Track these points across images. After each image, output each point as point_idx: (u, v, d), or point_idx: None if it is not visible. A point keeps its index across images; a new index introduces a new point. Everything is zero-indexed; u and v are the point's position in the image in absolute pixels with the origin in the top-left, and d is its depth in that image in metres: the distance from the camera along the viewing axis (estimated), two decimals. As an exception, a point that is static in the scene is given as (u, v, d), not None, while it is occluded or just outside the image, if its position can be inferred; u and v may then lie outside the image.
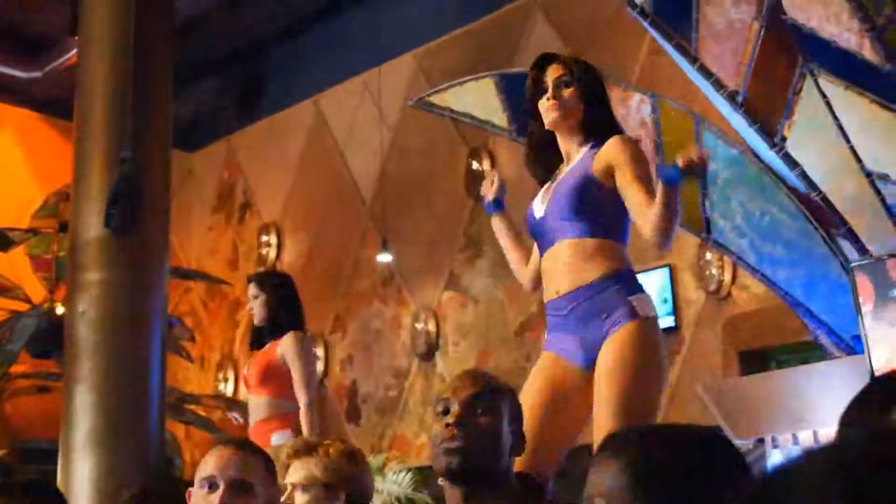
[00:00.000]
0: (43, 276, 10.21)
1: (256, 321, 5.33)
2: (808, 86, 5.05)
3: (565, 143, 3.36)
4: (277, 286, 5.35)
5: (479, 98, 6.06)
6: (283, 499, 3.01)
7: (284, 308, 5.24)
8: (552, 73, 3.34)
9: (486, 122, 6.10)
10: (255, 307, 5.28)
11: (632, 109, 5.75)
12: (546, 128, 3.37)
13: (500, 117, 6.09)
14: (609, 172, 3.18)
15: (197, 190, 12.35)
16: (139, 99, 7.16)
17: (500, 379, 2.45)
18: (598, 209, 3.19)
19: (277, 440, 4.89)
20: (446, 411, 2.28)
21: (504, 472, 2.28)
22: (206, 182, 12.36)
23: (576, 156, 3.31)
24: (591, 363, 3.10)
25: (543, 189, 3.39)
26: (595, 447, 2.94)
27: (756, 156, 5.54)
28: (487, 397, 2.30)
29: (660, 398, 3.08)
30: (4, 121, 11.44)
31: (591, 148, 3.27)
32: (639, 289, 3.15)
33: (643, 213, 3.09)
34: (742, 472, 1.45)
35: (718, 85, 5.11)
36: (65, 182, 8.45)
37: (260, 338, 5.37)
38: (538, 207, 3.32)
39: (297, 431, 4.98)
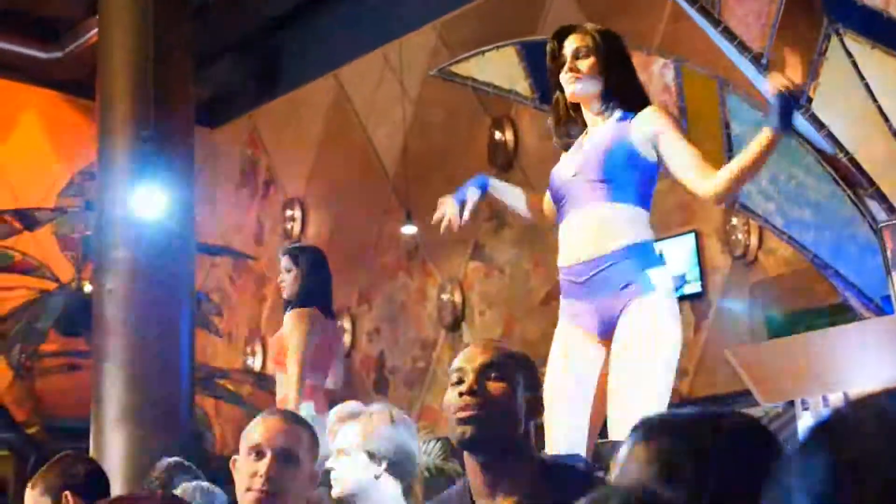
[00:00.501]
0: (70, 255, 10.27)
1: (285, 295, 5.31)
2: (833, 46, 5.00)
3: (588, 113, 3.35)
4: (311, 262, 5.31)
5: (501, 67, 6.03)
6: (327, 464, 3.04)
7: (314, 285, 5.22)
8: (570, 45, 3.34)
9: (508, 90, 6.07)
10: (285, 280, 5.25)
11: (654, 75, 5.71)
12: (568, 100, 3.36)
13: (522, 85, 6.05)
14: (650, 143, 3.18)
15: (220, 167, 12.38)
16: (161, 77, 7.18)
17: (517, 347, 2.44)
18: (627, 174, 3.19)
19: (302, 412, 4.91)
20: (460, 381, 2.27)
21: (522, 439, 2.26)
22: (229, 158, 12.38)
23: (602, 124, 3.30)
24: (606, 332, 3.12)
25: (570, 152, 3.37)
26: (615, 431, 2.97)
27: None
28: (500, 365, 2.28)
29: (674, 371, 3.11)
30: (27, 102, 11.49)
31: (620, 119, 3.25)
32: (657, 261, 3.15)
33: (706, 171, 3.12)
34: (776, 456, 1.42)
35: (742, 47, 5.05)
36: (89, 161, 8.50)
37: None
38: (567, 167, 3.30)
39: (321, 403, 5.00)
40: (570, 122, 3.41)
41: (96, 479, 3.49)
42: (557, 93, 3.41)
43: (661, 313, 3.05)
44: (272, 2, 10.92)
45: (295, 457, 2.62)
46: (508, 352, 2.35)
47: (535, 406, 2.32)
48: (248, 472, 2.60)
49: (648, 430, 1.48)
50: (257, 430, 2.65)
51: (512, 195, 3.68)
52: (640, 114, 3.22)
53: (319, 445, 2.78)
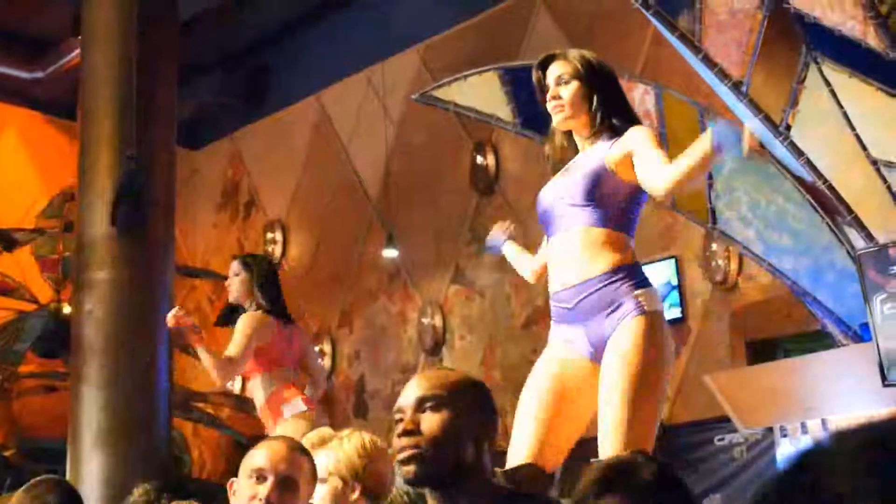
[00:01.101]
0: (49, 276, 10.22)
1: (231, 298, 5.32)
2: (812, 75, 5.04)
3: (579, 139, 3.35)
4: (260, 270, 5.32)
5: (482, 91, 6.05)
6: None
7: (262, 292, 5.21)
8: (553, 72, 3.33)
9: (490, 115, 6.10)
10: (233, 284, 5.26)
11: (636, 101, 5.73)
12: (557, 128, 3.36)
13: (504, 111, 6.08)
14: (626, 160, 3.15)
15: (202, 188, 12.35)
16: (143, 98, 7.17)
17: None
18: (609, 198, 3.17)
19: (289, 411, 4.91)
20: (400, 421, 2.20)
21: (472, 465, 2.18)
22: (210, 180, 12.36)
23: (589, 148, 3.29)
24: (596, 355, 3.10)
25: (558, 175, 3.36)
26: (602, 452, 3.00)
27: (761, 145, 5.53)
28: (435, 395, 2.19)
29: (665, 391, 3.10)
30: (8, 121, 11.45)
31: (607, 140, 3.24)
32: (645, 283, 3.13)
33: (659, 168, 3.04)
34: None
35: (722, 75, 5.09)
36: (69, 182, 8.47)
37: (230, 316, 5.37)
38: (549, 194, 3.30)
39: (305, 396, 5.02)
40: (564, 149, 3.39)
41: None
42: (552, 120, 3.40)
43: (647, 336, 3.01)
44: (255, 24, 10.93)
45: (295, 484, 2.65)
46: (446, 380, 2.25)
47: (486, 428, 2.23)
48: (247, 494, 2.61)
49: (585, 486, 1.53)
50: (261, 455, 2.68)
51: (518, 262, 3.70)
52: (625, 133, 3.21)
53: (317, 476, 2.78)
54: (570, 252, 3.16)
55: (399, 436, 2.18)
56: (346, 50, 10.57)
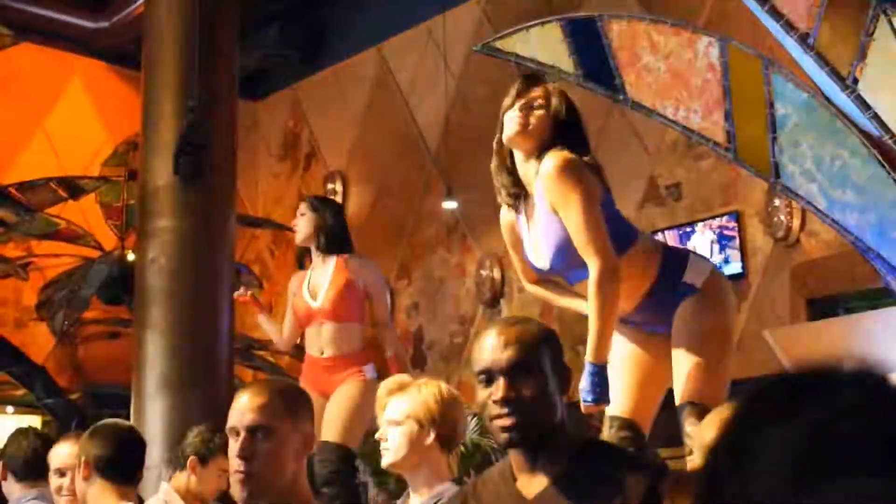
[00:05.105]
0: (113, 224, 10.37)
1: (298, 239, 5.34)
2: (882, 27, 4.94)
3: (522, 167, 3.41)
4: (328, 210, 5.34)
5: (544, 43, 5.99)
6: (377, 435, 3.08)
7: (330, 231, 5.24)
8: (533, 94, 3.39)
9: (551, 66, 6.05)
10: (299, 224, 5.27)
11: (699, 52, 5.66)
12: (504, 142, 3.35)
13: (566, 62, 6.00)
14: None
15: (263, 139, 12.43)
16: (205, 48, 7.21)
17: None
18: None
19: (372, 373, 4.99)
20: (489, 380, 2.17)
21: (561, 422, 2.20)
22: (271, 131, 12.43)
23: (533, 185, 3.30)
24: (654, 330, 3.29)
25: (525, 228, 3.39)
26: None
27: (827, 99, 5.45)
28: (528, 360, 2.16)
29: (732, 347, 3.28)
30: (74, 71, 11.58)
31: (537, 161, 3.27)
32: (681, 267, 3.24)
33: (586, 254, 3.12)
34: None
35: (789, 27, 5.00)
36: (133, 131, 8.55)
37: (305, 258, 5.41)
38: (534, 257, 3.33)
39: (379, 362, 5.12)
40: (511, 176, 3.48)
41: (117, 458, 3.47)
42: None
43: (706, 304, 3.18)
44: (317, -26, 10.93)
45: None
46: (530, 337, 2.21)
47: (565, 380, 2.24)
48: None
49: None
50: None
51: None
52: (539, 173, 3.23)
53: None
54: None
55: (497, 402, 2.15)
56: (407, 1, 10.53)
